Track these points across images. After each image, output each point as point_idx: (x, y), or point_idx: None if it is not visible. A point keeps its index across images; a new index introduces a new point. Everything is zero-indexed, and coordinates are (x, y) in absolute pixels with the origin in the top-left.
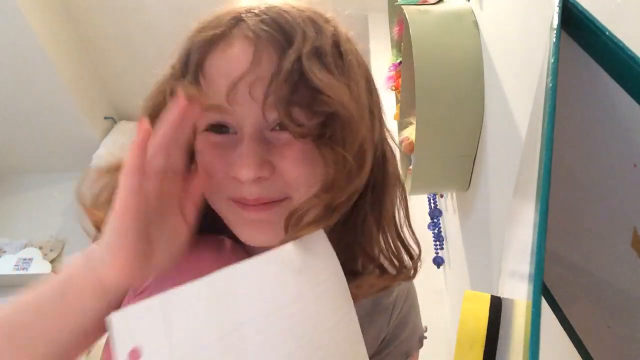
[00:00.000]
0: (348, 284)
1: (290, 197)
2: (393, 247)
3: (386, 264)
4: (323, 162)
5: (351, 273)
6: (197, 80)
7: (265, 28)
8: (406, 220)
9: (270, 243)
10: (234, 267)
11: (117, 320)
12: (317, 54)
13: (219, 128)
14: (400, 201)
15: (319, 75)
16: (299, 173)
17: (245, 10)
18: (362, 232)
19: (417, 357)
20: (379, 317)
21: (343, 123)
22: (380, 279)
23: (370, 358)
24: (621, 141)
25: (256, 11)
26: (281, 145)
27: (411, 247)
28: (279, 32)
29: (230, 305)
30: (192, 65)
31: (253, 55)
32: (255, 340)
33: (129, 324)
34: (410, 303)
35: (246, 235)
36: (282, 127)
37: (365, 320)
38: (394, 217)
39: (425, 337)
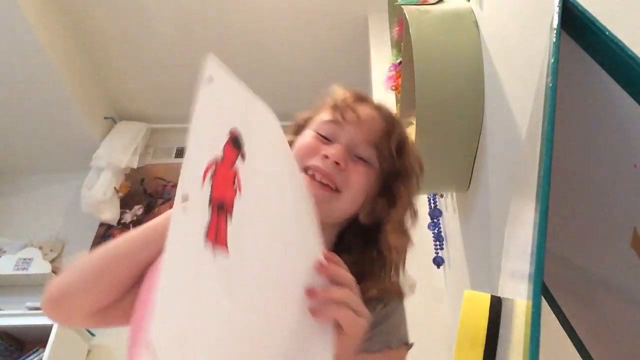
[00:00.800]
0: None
1: (341, 192)
2: (391, 274)
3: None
4: (397, 190)
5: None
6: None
7: (381, 108)
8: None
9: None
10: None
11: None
12: (405, 138)
13: (323, 138)
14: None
15: (408, 149)
16: (358, 182)
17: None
18: (372, 262)
19: (396, 358)
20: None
21: (411, 178)
22: (378, 288)
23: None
24: (621, 141)
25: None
26: (355, 162)
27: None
28: (387, 114)
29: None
30: (337, 104)
31: (376, 115)
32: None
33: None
34: (395, 304)
35: None
36: (358, 157)
37: None
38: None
39: (408, 345)
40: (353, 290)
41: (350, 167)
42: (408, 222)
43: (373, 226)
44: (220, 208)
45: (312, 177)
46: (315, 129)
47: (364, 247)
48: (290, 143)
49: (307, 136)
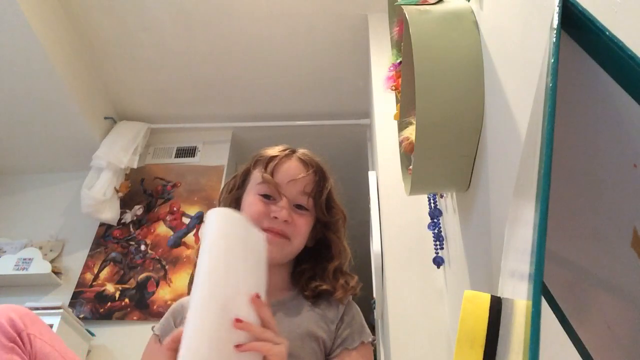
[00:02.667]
0: (310, 284)
1: (291, 239)
2: (334, 276)
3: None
4: (330, 239)
5: (312, 278)
6: (270, 171)
7: (308, 160)
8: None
9: (269, 253)
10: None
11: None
12: (331, 193)
13: (265, 197)
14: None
15: (334, 199)
16: (303, 230)
17: (295, 149)
18: (323, 266)
19: (368, 350)
20: (329, 310)
21: (338, 225)
22: (326, 285)
23: (334, 339)
24: (621, 141)
25: (302, 150)
26: (298, 214)
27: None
28: (317, 166)
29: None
30: (267, 165)
31: (304, 169)
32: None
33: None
34: (352, 304)
35: None
36: (299, 207)
37: (322, 310)
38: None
39: (372, 343)
40: (270, 328)
41: (295, 218)
42: (345, 237)
43: (317, 246)
44: None
45: (270, 232)
46: (257, 192)
47: (315, 259)
48: (239, 198)
49: (253, 202)
